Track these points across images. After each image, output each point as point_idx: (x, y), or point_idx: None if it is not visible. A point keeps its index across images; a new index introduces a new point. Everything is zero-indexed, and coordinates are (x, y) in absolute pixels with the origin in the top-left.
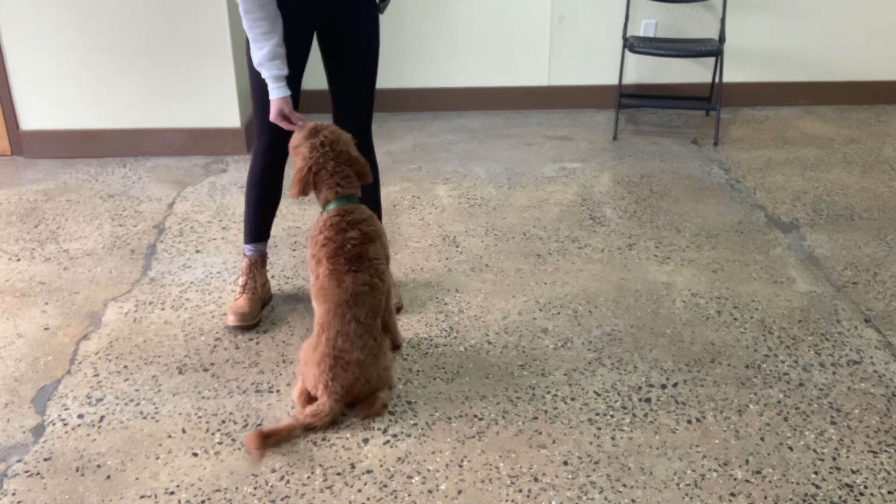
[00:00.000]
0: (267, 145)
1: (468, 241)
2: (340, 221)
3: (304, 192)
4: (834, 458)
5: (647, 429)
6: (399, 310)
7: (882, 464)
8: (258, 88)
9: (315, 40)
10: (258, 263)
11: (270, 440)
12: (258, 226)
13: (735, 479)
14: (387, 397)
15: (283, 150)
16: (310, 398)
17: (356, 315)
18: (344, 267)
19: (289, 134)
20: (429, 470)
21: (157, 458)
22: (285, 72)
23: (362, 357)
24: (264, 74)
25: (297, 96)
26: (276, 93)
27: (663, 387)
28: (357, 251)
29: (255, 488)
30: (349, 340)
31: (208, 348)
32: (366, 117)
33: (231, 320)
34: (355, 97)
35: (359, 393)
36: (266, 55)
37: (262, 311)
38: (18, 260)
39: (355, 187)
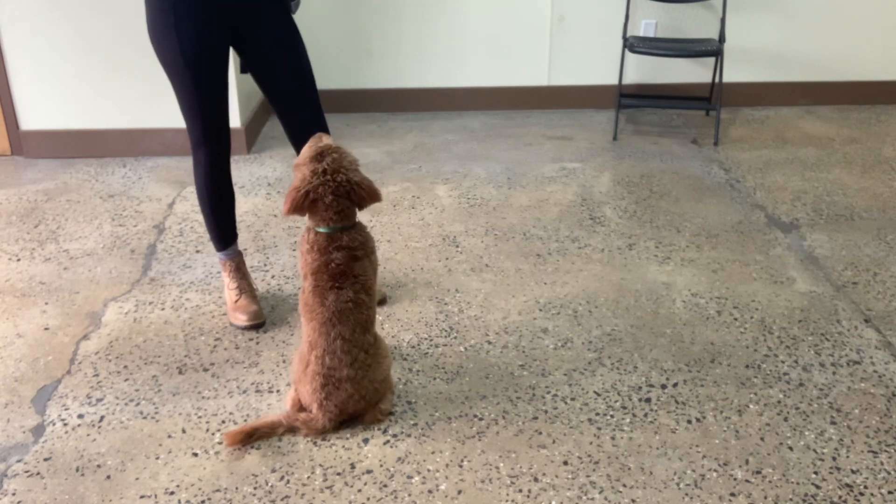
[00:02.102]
0: (208, 159)
1: (468, 241)
2: (328, 246)
3: (295, 212)
4: (834, 458)
5: (647, 429)
6: (383, 302)
7: (882, 464)
8: (185, 90)
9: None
10: (241, 264)
11: (252, 438)
12: (224, 231)
13: (735, 479)
14: (388, 406)
15: (224, 156)
16: (303, 406)
17: (341, 333)
18: (327, 284)
19: (227, 145)
20: (429, 470)
21: (157, 458)
22: None
23: (353, 373)
24: None
25: (226, 103)
26: None
27: (663, 387)
28: (342, 269)
29: (255, 488)
30: (336, 358)
31: (208, 348)
32: (315, 123)
33: (244, 320)
34: (295, 102)
35: (354, 410)
36: None
37: None
38: (18, 260)
39: (350, 219)
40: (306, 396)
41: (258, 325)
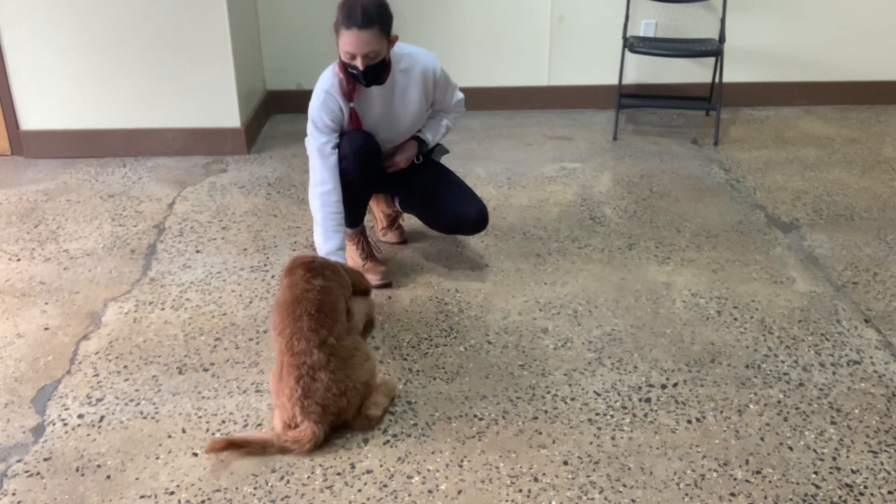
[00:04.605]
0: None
1: (469, 241)
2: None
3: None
4: (834, 458)
5: (647, 429)
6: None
7: (882, 464)
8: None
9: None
10: (365, 234)
11: (241, 449)
12: (361, 212)
13: (735, 479)
14: (377, 412)
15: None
16: (289, 423)
17: (307, 310)
18: (303, 277)
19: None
20: (429, 470)
21: (157, 458)
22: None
23: (324, 359)
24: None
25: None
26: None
27: (663, 387)
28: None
29: (255, 488)
30: (304, 338)
31: (208, 348)
32: (477, 204)
33: (375, 280)
34: (461, 198)
35: (338, 410)
36: (338, 244)
37: None
38: (18, 260)
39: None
40: (287, 405)
41: (387, 284)
